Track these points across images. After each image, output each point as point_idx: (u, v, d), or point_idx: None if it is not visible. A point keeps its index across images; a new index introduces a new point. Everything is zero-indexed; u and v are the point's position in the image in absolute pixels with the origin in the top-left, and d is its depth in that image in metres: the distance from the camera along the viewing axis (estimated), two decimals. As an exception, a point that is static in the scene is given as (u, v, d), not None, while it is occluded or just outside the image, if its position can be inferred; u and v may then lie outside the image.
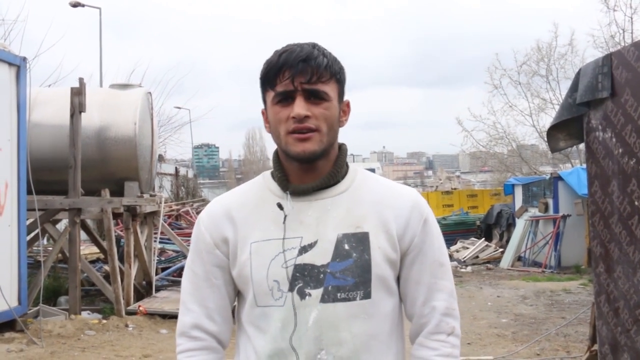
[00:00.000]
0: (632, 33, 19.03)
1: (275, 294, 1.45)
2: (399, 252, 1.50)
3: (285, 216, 1.47)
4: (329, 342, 1.43)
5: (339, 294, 1.43)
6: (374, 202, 1.50)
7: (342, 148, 1.55)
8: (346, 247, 1.45)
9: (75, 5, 19.89)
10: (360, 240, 1.46)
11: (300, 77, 1.42)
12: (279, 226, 1.47)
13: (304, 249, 1.45)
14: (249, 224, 1.50)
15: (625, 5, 19.11)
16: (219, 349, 1.58)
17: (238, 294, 1.58)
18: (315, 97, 1.44)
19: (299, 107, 1.42)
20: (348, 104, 1.55)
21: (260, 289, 1.46)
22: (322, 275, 1.44)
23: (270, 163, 1.59)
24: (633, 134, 3.14)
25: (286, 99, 1.44)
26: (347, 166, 1.56)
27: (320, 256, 1.45)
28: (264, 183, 1.56)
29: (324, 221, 1.47)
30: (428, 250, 1.51)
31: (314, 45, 1.47)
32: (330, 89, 1.46)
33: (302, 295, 1.44)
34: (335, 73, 1.48)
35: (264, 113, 1.54)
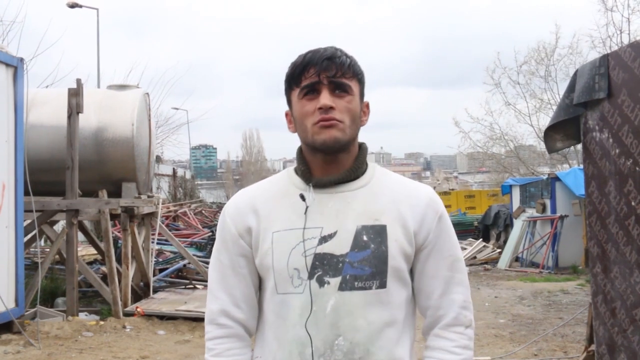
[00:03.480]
0: (629, 34, 19.09)
1: (295, 282, 1.51)
2: (414, 247, 1.56)
3: (307, 207, 1.53)
4: (346, 329, 1.48)
5: (356, 283, 1.49)
6: (391, 197, 1.57)
7: (362, 146, 1.63)
8: (365, 238, 1.51)
9: (72, 6, 19.85)
10: (379, 233, 1.52)
11: (325, 73, 1.50)
12: (300, 216, 1.53)
13: (324, 239, 1.51)
14: (272, 215, 1.56)
15: (623, 6, 19.17)
16: (246, 337, 1.63)
17: (260, 283, 1.62)
18: (339, 90, 1.52)
19: (325, 98, 1.50)
20: (368, 105, 1.64)
21: (280, 277, 1.52)
22: (340, 265, 1.49)
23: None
24: (630, 135, 3.15)
25: (312, 91, 1.52)
26: (367, 164, 1.63)
27: (340, 246, 1.50)
28: (287, 177, 1.63)
29: (344, 213, 1.53)
30: (443, 245, 1.58)
31: (337, 48, 1.57)
32: (353, 84, 1.54)
33: (321, 283, 1.50)
34: (357, 73, 1.56)
35: (288, 114, 1.61)
